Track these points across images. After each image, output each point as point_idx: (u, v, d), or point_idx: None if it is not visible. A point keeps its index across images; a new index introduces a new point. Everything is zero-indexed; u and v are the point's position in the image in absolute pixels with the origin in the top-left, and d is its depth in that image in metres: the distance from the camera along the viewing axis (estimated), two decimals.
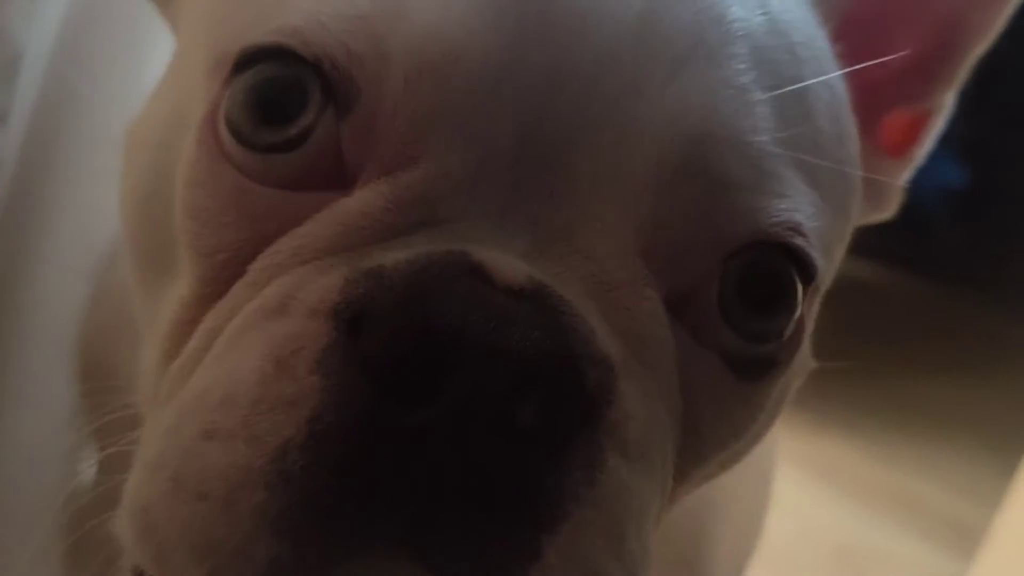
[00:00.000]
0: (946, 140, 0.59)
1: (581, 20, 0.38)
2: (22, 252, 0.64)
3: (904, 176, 0.58)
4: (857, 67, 0.48)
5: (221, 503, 0.33)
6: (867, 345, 1.80)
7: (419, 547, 0.33)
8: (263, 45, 0.38)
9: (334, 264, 0.36)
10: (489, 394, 0.33)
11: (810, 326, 0.46)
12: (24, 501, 0.66)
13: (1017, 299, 2.12)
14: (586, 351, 0.35)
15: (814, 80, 0.43)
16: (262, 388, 0.34)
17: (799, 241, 0.41)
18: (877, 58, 0.49)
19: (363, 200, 0.38)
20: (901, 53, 0.52)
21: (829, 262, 0.45)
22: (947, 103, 0.58)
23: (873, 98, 0.53)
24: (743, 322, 0.41)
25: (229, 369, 0.36)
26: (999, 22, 0.55)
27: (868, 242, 0.57)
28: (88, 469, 0.63)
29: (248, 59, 0.39)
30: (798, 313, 0.42)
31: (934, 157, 0.59)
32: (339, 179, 0.39)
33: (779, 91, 0.41)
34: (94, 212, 0.64)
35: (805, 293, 0.42)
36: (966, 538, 1.40)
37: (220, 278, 0.39)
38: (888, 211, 0.57)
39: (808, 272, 0.42)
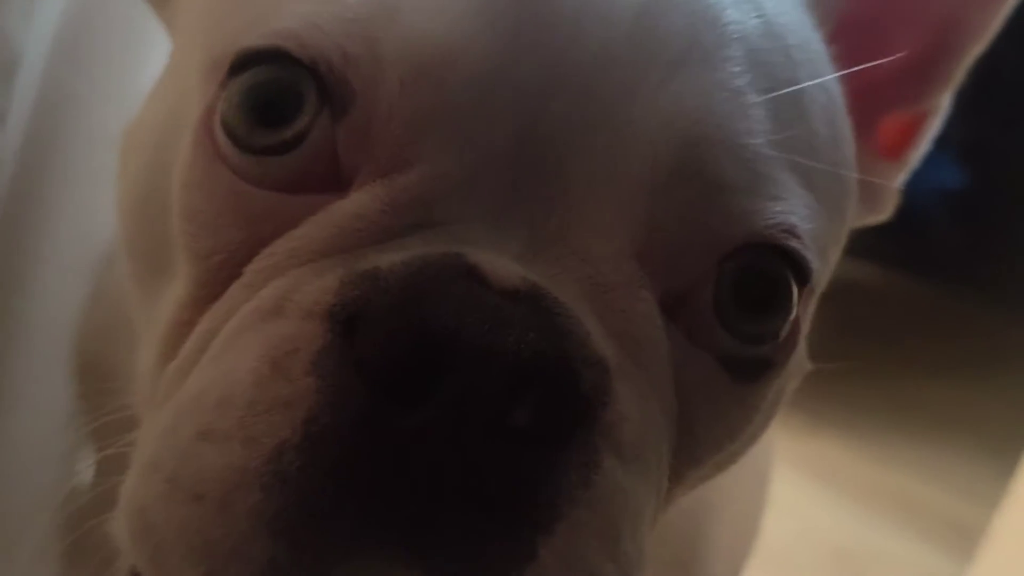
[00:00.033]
0: (944, 141, 0.59)
1: (576, 23, 0.38)
2: (21, 253, 0.64)
3: (900, 178, 0.58)
4: (853, 69, 0.48)
5: (217, 504, 0.34)
6: (866, 346, 1.80)
7: (415, 548, 0.33)
8: (259, 48, 0.39)
9: (330, 266, 0.36)
10: (484, 396, 0.33)
11: (805, 327, 0.46)
12: (22, 501, 0.66)
13: (1015, 299, 2.13)
14: (581, 353, 0.35)
15: (809, 83, 0.43)
16: (258, 389, 0.34)
17: (794, 243, 0.41)
18: (873, 60, 0.49)
19: (359, 202, 0.38)
20: (897, 55, 0.52)
21: (824, 264, 0.45)
22: (943, 105, 0.58)
23: (869, 100, 0.53)
24: (738, 324, 0.41)
25: (225, 370, 0.36)
26: (995, 23, 0.55)
27: (866, 243, 0.57)
28: (86, 470, 0.63)
29: (244, 62, 0.39)
30: (793, 315, 0.42)
31: (932, 158, 0.59)
32: (335, 181, 0.39)
33: (774, 94, 0.41)
34: (92, 213, 0.64)
35: (800, 295, 0.42)
36: (965, 539, 1.40)
37: (216, 280, 0.39)
38: (884, 213, 0.58)
39: (803, 274, 0.42)
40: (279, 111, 0.38)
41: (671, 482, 0.42)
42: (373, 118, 0.38)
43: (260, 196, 0.39)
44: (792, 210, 0.41)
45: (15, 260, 0.63)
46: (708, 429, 0.43)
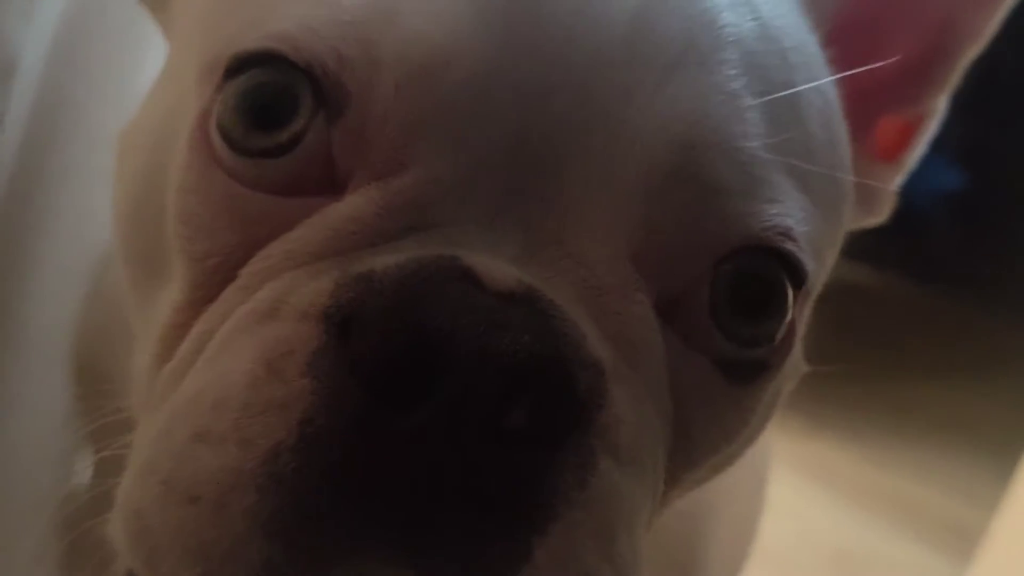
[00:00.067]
0: (942, 143, 0.59)
1: (571, 26, 0.38)
2: (19, 254, 0.64)
3: (897, 181, 0.58)
4: (849, 72, 0.48)
5: (213, 506, 0.34)
6: (864, 348, 1.80)
7: (411, 549, 0.33)
8: (255, 51, 0.39)
9: (325, 268, 0.37)
10: (479, 397, 0.33)
11: (801, 330, 0.46)
12: (20, 502, 0.66)
13: (1014, 302, 2.13)
14: (577, 355, 0.35)
15: (805, 86, 0.43)
16: (253, 391, 0.34)
17: (789, 246, 0.41)
18: (869, 63, 0.49)
19: (354, 205, 0.38)
20: (893, 58, 0.52)
21: (820, 266, 0.45)
22: (940, 107, 0.58)
23: (865, 103, 0.53)
24: (734, 326, 0.41)
25: (220, 372, 0.36)
26: (991, 26, 0.55)
27: (865, 245, 0.57)
28: (84, 471, 0.63)
29: (240, 64, 0.39)
30: (789, 317, 0.42)
31: (930, 160, 0.59)
32: (330, 184, 0.39)
33: (770, 96, 0.41)
34: (90, 215, 0.64)
35: (796, 297, 0.42)
36: (964, 541, 1.40)
37: (212, 282, 0.39)
38: (881, 215, 0.57)
39: (798, 276, 0.42)
40: (275, 114, 0.38)
41: (667, 484, 0.42)
42: (368, 121, 0.38)
43: (255, 199, 0.39)
44: (788, 213, 0.41)
45: (13, 262, 0.63)
46: (704, 431, 0.43)
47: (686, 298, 0.41)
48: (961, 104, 0.59)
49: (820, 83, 0.45)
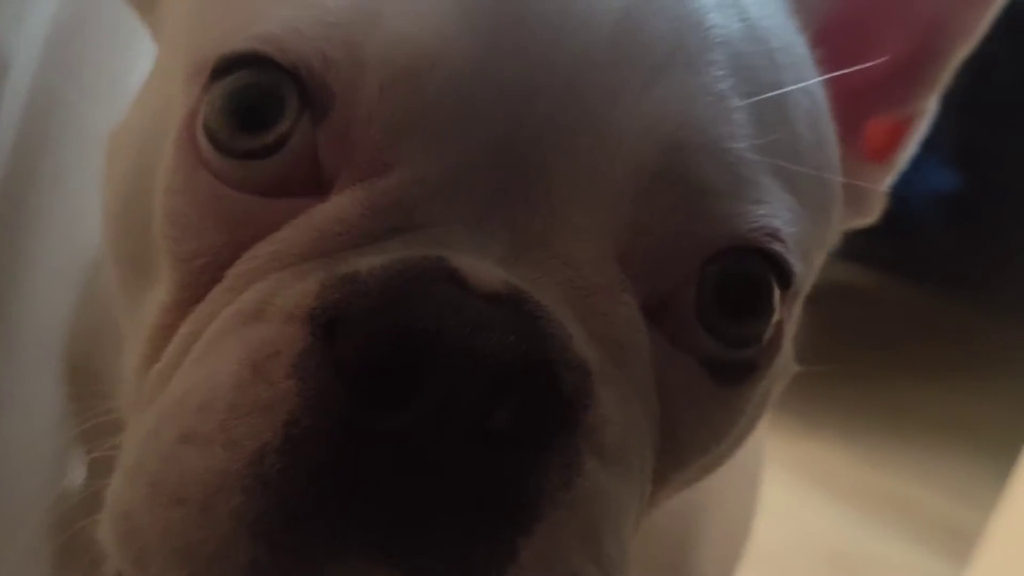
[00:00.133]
0: (937, 144, 0.59)
1: (558, 27, 0.38)
2: (11, 256, 0.64)
3: (888, 181, 0.58)
4: (838, 73, 0.48)
5: (199, 507, 0.34)
6: (859, 349, 1.81)
7: (396, 549, 0.33)
8: (241, 52, 0.39)
9: (311, 269, 0.37)
10: (464, 398, 0.33)
11: (790, 330, 0.46)
12: (13, 502, 0.66)
13: (1009, 302, 2.13)
14: (563, 356, 0.35)
15: (793, 87, 0.43)
16: (239, 392, 0.34)
17: (776, 246, 0.41)
18: (858, 63, 0.49)
19: (339, 206, 0.38)
20: (882, 59, 0.52)
21: (808, 267, 0.45)
22: (930, 108, 0.58)
23: (855, 103, 0.53)
24: (721, 327, 0.41)
25: (207, 374, 0.36)
26: (981, 26, 0.55)
27: (859, 247, 0.57)
28: (77, 471, 0.63)
29: (226, 66, 0.39)
30: (776, 318, 0.42)
31: (925, 161, 0.59)
32: (316, 185, 0.39)
33: (758, 98, 0.41)
34: (82, 217, 0.64)
35: (783, 298, 0.42)
36: (960, 542, 1.40)
37: (199, 283, 0.39)
38: (872, 216, 0.57)
39: (785, 277, 0.42)
40: (260, 115, 0.38)
41: (655, 485, 0.42)
42: (353, 122, 0.38)
43: (241, 200, 0.39)
44: (775, 213, 0.41)
45: (5, 263, 0.63)
46: (692, 432, 0.43)
47: (673, 298, 0.41)
48: (955, 105, 0.59)
49: (808, 84, 0.45)
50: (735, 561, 0.80)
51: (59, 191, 0.65)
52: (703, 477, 0.48)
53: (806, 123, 0.45)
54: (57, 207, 0.65)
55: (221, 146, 0.39)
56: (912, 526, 1.62)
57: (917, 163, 0.59)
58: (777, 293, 0.42)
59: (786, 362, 0.48)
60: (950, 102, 0.58)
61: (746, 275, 0.41)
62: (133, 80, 0.49)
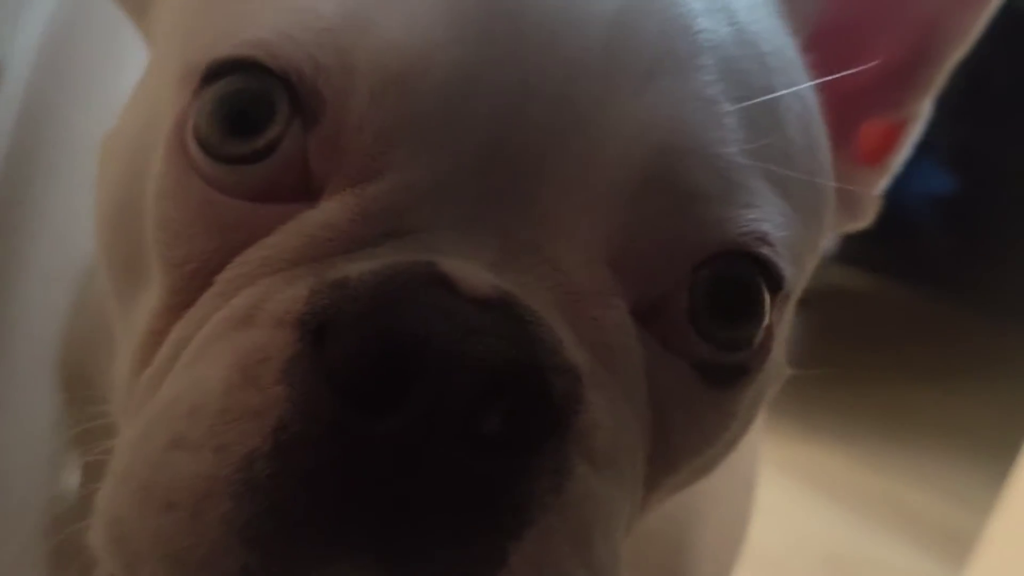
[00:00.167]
0: (934, 148, 0.59)
1: (549, 33, 0.38)
2: (5, 261, 0.64)
3: (881, 185, 0.58)
4: (830, 78, 0.48)
5: (189, 513, 0.34)
6: (856, 352, 1.81)
7: (385, 555, 0.33)
8: (231, 57, 0.39)
9: (301, 275, 0.37)
10: (453, 403, 0.33)
11: (781, 334, 0.46)
12: (7, 506, 0.66)
13: (1006, 305, 2.13)
14: (552, 361, 0.35)
15: (784, 91, 0.43)
16: (228, 398, 0.34)
17: (766, 251, 0.41)
18: (851, 67, 0.49)
19: (329, 211, 0.38)
20: (874, 63, 0.52)
21: (799, 271, 0.45)
22: (923, 111, 0.57)
23: (848, 107, 0.53)
24: (712, 330, 0.41)
25: (196, 379, 0.36)
26: (975, 29, 0.55)
27: (857, 250, 0.57)
28: (72, 475, 0.63)
29: (217, 71, 0.39)
30: (766, 321, 0.42)
31: (922, 164, 0.59)
32: (306, 191, 0.39)
33: (748, 102, 0.41)
34: (75, 223, 0.64)
35: (773, 302, 0.42)
36: (957, 545, 1.40)
37: (189, 288, 0.39)
38: (865, 220, 0.57)
39: (776, 281, 0.42)
40: (251, 120, 0.38)
41: (647, 489, 0.42)
42: (343, 128, 0.38)
43: (232, 205, 0.39)
44: (765, 218, 0.41)
45: (0, 270, 0.63)
46: (683, 436, 0.43)
47: (664, 302, 0.41)
48: (952, 108, 0.59)
49: (799, 88, 0.45)
50: (731, 564, 0.80)
51: (53, 196, 0.66)
52: (696, 481, 0.48)
53: (797, 127, 0.45)
54: (51, 212, 0.65)
55: (211, 151, 0.39)
56: (909, 529, 1.62)
57: (913, 166, 0.59)
58: (767, 297, 0.42)
59: (778, 366, 0.48)
60: (946, 105, 0.58)
61: (737, 279, 0.41)
62: (126, 86, 0.49)
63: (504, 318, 0.35)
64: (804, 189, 0.44)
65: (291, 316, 0.35)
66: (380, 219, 0.37)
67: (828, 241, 0.53)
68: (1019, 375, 1.99)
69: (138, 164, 0.43)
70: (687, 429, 0.43)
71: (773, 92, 0.43)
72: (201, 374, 0.36)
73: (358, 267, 0.36)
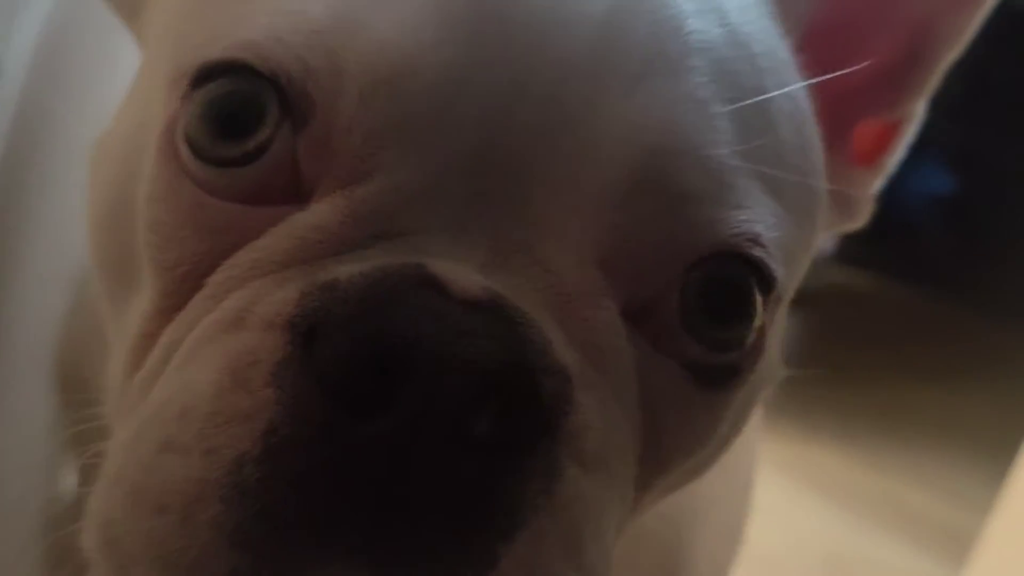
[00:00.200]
0: (933, 147, 0.59)
1: (539, 35, 0.38)
2: (2, 265, 0.64)
3: (876, 185, 0.58)
4: (823, 78, 0.48)
5: (179, 516, 0.34)
6: (855, 352, 1.81)
7: (376, 557, 0.33)
8: (221, 60, 0.39)
9: (291, 277, 0.37)
10: (444, 405, 0.33)
11: (774, 335, 0.46)
12: (4, 507, 0.66)
13: (1006, 305, 2.13)
14: (542, 362, 0.35)
15: (776, 92, 0.43)
16: (218, 401, 0.34)
17: (758, 252, 0.41)
18: (844, 67, 0.49)
19: (319, 214, 0.38)
20: (867, 63, 0.52)
21: (791, 272, 0.45)
22: (918, 112, 0.57)
23: (841, 108, 0.53)
24: (704, 331, 0.41)
25: (187, 382, 0.36)
26: (969, 29, 0.55)
27: (856, 249, 0.57)
28: (69, 477, 0.63)
29: (206, 74, 0.39)
30: (758, 322, 0.42)
31: (921, 165, 0.59)
32: (296, 193, 0.39)
33: (740, 104, 0.41)
34: (71, 226, 0.64)
35: (765, 303, 0.42)
36: (956, 544, 1.40)
37: (181, 291, 0.39)
38: (860, 220, 0.57)
39: (767, 282, 0.42)
40: (241, 123, 0.38)
41: (639, 490, 0.42)
42: (333, 130, 0.38)
43: (222, 208, 0.39)
44: (757, 219, 0.41)
45: None
46: (675, 436, 0.43)
47: (655, 303, 0.41)
48: (951, 108, 0.59)
49: (790, 89, 0.45)
50: (728, 564, 0.80)
51: (49, 200, 0.66)
52: (689, 482, 0.48)
53: (789, 128, 0.45)
54: (47, 216, 0.65)
55: (202, 154, 0.39)
56: (908, 529, 1.62)
57: (913, 166, 0.59)
58: (759, 298, 0.42)
59: (771, 366, 0.48)
60: (946, 105, 0.58)
61: (728, 280, 0.41)
62: (122, 89, 0.49)
63: (494, 320, 0.35)
64: (796, 190, 0.44)
65: (281, 319, 0.35)
66: (370, 221, 0.37)
67: (825, 241, 0.53)
68: (1018, 374, 1.99)
69: (130, 166, 0.43)
70: (678, 430, 0.43)
71: (765, 93, 0.43)
72: (191, 377, 0.36)
73: (347, 269, 0.36)
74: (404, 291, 0.35)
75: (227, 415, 0.34)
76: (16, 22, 0.61)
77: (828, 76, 0.47)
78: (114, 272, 0.44)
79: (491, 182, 0.38)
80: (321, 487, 0.33)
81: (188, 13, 0.43)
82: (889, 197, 0.58)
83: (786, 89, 0.45)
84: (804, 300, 0.49)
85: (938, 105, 0.58)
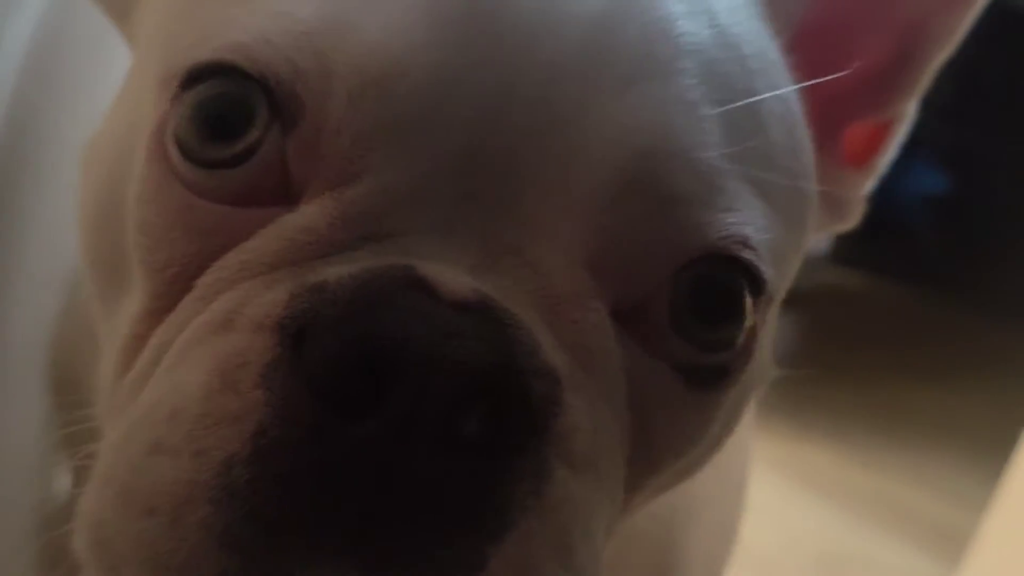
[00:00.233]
0: (927, 147, 0.59)
1: (528, 36, 0.39)
2: None
3: (867, 186, 0.58)
4: (814, 82, 0.48)
5: (168, 518, 0.34)
6: (849, 351, 1.82)
7: (365, 558, 0.33)
8: (210, 62, 0.39)
9: (280, 279, 0.37)
10: (433, 406, 0.33)
11: (764, 335, 0.46)
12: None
13: (999, 303, 2.14)
14: (531, 364, 0.35)
15: (766, 94, 0.43)
16: (208, 403, 0.34)
17: (747, 254, 0.41)
18: (835, 68, 0.49)
19: (308, 215, 0.38)
20: (858, 65, 0.52)
21: (781, 273, 0.45)
22: (909, 112, 0.57)
23: (832, 109, 0.53)
24: (693, 332, 0.41)
25: (176, 384, 0.36)
26: (960, 30, 0.55)
27: (851, 249, 0.57)
28: (63, 477, 0.63)
29: (196, 76, 0.39)
30: (748, 324, 0.43)
31: (915, 164, 0.59)
32: (285, 194, 0.39)
33: (730, 106, 0.41)
34: (64, 227, 0.64)
35: (755, 304, 0.42)
36: (952, 543, 1.41)
37: (170, 293, 0.39)
38: (851, 221, 0.57)
39: (757, 284, 0.42)
40: (230, 125, 0.38)
41: (630, 491, 0.42)
42: (322, 132, 0.38)
43: (212, 209, 0.39)
44: (746, 221, 0.41)
45: None
46: (665, 437, 0.43)
47: (645, 305, 0.41)
48: (945, 107, 0.59)
49: (781, 91, 0.45)
50: (722, 564, 0.80)
51: (42, 201, 0.65)
52: (679, 482, 0.48)
53: (779, 129, 0.45)
54: (39, 217, 0.65)
55: (191, 156, 0.39)
56: (903, 527, 1.62)
57: (907, 166, 0.59)
58: (749, 299, 0.42)
59: (763, 367, 0.48)
60: (939, 104, 0.58)
61: (718, 282, 0.41)
62: (114, 90, 0.49)
63: (483, 321, 0.35)
64: (786, 192, 0.44)
65: (270, 320, 0.35)
66: (359, 223, 0.37)
67: (818, 241, 0.53)
68: (1011, 373, 2.00)
69: (120, 168, 0.43)
70: (669, 431, 0.43)
71: (755, 95, 0.43)
72: (181, 379, 0.36)
73: (336, 271, 0.36)
74: (393, 293, 0.35)
75: (216, 417, 0.34)
76: (8, 24, 0.61)
77: (819, 81, 0.47)
78: (105, 273, 0.44)
79: (480, 183, 0.38)
80: (310, 488, 0.33)
81: (178, 14, 0.43)
82: (881, 197, 0.58)
83: (778, 92, 0.45)
84: (797, 300, 0.49)
85: (930, 105, 0.58)
